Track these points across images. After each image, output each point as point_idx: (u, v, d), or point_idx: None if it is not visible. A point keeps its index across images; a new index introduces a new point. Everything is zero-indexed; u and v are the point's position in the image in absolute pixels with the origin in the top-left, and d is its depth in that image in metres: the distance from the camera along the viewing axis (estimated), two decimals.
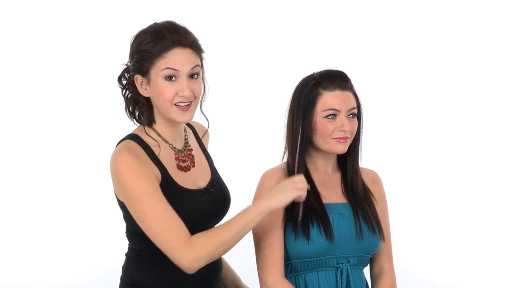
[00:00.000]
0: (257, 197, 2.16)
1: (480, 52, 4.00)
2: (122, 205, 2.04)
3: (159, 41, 1.96)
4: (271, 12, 4.01)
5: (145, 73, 1.99)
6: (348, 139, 2.10)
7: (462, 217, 3.90)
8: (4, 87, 3.95)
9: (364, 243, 2.11)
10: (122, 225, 2.12)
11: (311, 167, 2.17)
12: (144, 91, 2.01)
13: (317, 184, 2.15)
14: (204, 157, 2.18)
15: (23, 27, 3.94)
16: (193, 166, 2.10)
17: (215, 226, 2.02)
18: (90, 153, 3.87)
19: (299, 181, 1.97)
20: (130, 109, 2.07)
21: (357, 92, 2.15)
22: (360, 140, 2.17)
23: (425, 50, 4.00)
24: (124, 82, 2.07)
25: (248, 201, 2.15)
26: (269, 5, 4.02)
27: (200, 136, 2.22)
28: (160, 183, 1.99)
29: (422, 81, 4.01)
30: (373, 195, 2.18)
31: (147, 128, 2.06)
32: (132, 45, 2.02)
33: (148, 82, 2.00)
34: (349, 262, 2.11)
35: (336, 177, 2.19)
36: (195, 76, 2.00)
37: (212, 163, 2.20)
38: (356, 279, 2.12)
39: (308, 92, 2.12)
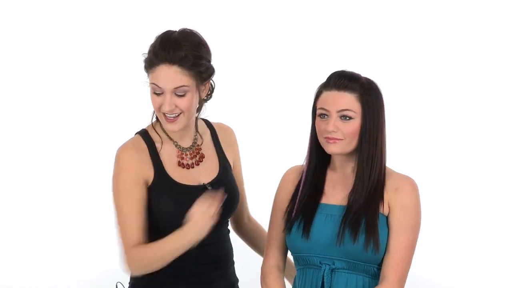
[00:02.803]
0: (276, 195, 2.24)
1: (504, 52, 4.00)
2: None
3: (152, 55, 2.07)
4: (284, 11, 4.02)
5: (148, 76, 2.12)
6: (338, 141, 2.07)
7: (468, 219, 3.91)
8: (4, 87, 3.95)
9: (345, 249, 2.06)
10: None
11: (330, 166, 2.18)
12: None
13: (327, 183, 2.15)
14: (216, 157, 2.25)
15: (23, 28, 3.93)
16: (197, 164, 2.19)
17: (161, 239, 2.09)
18: (90, 153, 3.88)
19: (207, 208, 2.01)
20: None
21: (367, 94, 2.07)
22: (366, 144, 2.07)
23: (448, 51, 4.00)
24: None
25: (268, 200, 2.27)
26: (282, 5, 4.02)
27: (220, 136, 2.30)
28: (153, 181, 2.12)
29: (446, 84, 4.00)
30: (383, 204, 2.09)
31: (155, 123, 2.19)
32: None
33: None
34: (334, 264, 2.08)
35: (353, 179, 2.15)
36: (181, 93, 2.07)
37: (225, 164, 2.26)
38: (341, 284, 2.07)
39: (317, 91, 2.15)
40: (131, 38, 3.77)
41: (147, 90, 2.15)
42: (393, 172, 2.14)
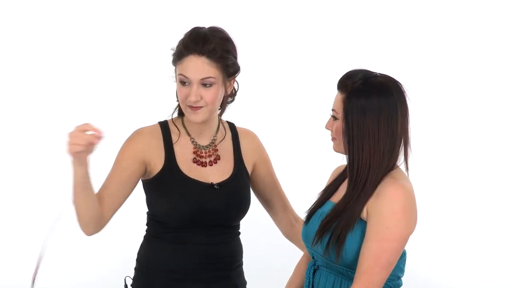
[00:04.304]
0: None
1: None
2: (146, 188, 2.24)
3: (181, 47, 2.11)
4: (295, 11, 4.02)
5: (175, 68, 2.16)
6: (333, 140, 2.05)
7: (469, 219, 3.91)
8: (4, 87, 3.95)
9: (318, 246, 2.04)
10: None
11: None
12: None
13: (344, 183, 2.11)
14: (232, 161, 2.26)
15: (23, 27, 3.93)
16: (211, 165, 2.22)
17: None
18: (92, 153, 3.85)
19: (72, 136, 1.99)
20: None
21: (354, 96, 1.97)
22: (348, 147, 1.99)
23: (448, 52, 4.00)
24: None
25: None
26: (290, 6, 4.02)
27: (242, 141, 2.31)
28: (161, 170, 2.17)
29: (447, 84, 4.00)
30: (356, 209, 2.01)
31: (175, 118, 2.25)
32: None
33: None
34: (318, 261, 2.07)
35: None
36: (208, 84, 2.10)
37: (240, 168, 2.27)
38: (322, 282, 2.06)
39: None
40: (133, 39, 3.84)
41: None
42: (395, 176, 2.00)
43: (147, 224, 2.27)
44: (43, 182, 3.88)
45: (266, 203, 2.40)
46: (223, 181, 2.20)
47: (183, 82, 2.10)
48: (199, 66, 2.07)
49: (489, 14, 3.97)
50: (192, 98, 2.08)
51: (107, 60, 3.90)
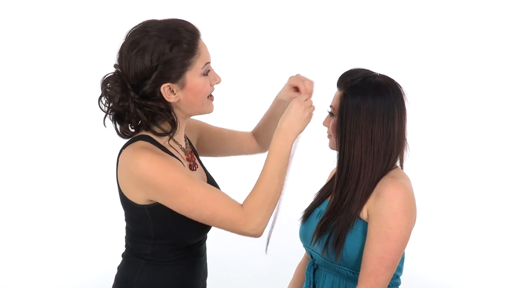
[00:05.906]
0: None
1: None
2: (136, 211, 1.96)
3: (184, 39, 1.87)
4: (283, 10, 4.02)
5: (176, 78, 1.89)
6: (329, 137, 2.04)
7: (467, 218, 3.92)
8: (4, 87, 3.95)
9: (316, 246, 2.04)
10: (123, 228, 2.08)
11: None
12: (172, 98, 1.92)
13: None
14: (195, 157, 2.14)
15: (23, 27, 3.93)
16: (196, 167, 2.09)
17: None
18: (90, 157, 3.88)
19: (310, 106, 1.96)
20: (146, 124, 1.95)
21: (350, 93, 1.97)
22: (339, 143, 1.99)
23: (448, 51, 4.02)
24: (130, 102, 1.91)
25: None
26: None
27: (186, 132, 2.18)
28: None
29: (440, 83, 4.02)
30: (364, 209, 2.00)
31: (160, 138, 1.99)
32: (144, 61, 1.87)
33: (182, 86, 1.91)
34: (317, 260, 2.07)
35: None
36: None
37: (202, 162, 2.17)
38: (321, 281, 2.06)
39: None
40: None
41: None
42: (394, 175, 1.99)
43: (142, 249, 2.02)
44: (43, 182, 3.88)
45: (224, 150, 2.29)
46: (207, 181, 2.09)
47: (206, 72, 1.92)
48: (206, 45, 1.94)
49: (489, 15, 3.97)
50: (220, 79, 1.95)
51: (107, 60, 3.90)
